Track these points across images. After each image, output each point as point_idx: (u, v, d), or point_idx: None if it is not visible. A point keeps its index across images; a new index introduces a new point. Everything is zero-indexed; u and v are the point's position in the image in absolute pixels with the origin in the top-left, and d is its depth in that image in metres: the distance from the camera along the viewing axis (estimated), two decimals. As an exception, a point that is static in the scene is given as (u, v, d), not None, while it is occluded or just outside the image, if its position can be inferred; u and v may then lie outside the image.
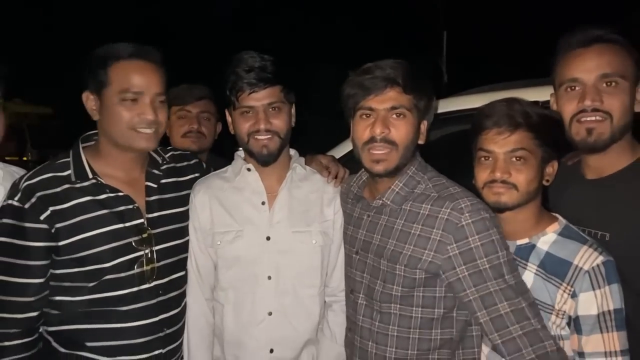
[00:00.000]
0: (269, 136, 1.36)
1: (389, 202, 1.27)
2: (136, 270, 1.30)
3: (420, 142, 1.30)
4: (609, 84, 1.22)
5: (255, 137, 1.37)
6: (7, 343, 1.22)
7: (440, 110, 1.80)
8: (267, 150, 1.37)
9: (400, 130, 1.23)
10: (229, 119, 1.44)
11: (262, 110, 1.35)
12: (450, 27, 7.83)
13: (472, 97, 1.91)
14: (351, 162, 1.59)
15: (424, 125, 1.30)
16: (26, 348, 1.24)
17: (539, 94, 1.53)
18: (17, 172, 1.44)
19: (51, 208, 1.24)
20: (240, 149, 1.47)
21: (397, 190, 1.27)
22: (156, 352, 1.34)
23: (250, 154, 1.41)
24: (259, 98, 1.35)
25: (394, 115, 1.23)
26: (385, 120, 1.23)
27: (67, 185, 1.27)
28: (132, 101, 1.27)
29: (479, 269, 1.15)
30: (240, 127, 1.38)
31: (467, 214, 1.16)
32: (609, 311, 1.12)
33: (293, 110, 1.44)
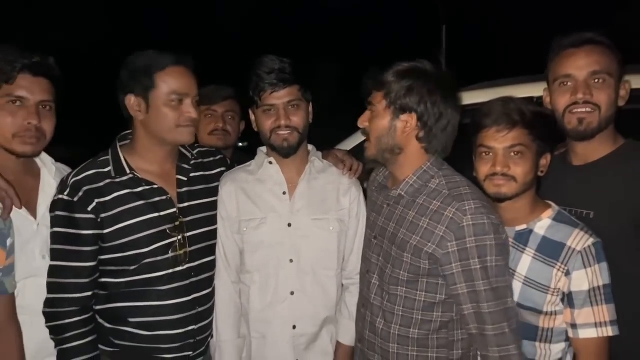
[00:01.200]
0: (289, 131, 1.50)
1: (403, 194, 1.39)
2: (170, 254, 1.45)
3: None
4: (597, 80, 1.38)
5: (277, 132, 1.51)
6: (67, 320, 1.37)
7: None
8: (287, 144, 1.51)
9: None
10: (252, 117, 1.58)
11: (283, 108, 1.49)
12: (450, 21, 7.96)
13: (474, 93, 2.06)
14: (359, 154, 1.74)
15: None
16: (84, 324, 1.39)
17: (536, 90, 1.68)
18: (65, 169, 1.58)
19: (96, 200, 1.39)
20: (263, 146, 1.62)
21: (411, 182, 1.38)
22: (189, 328, 1.48)
23: (272, 148, 1.55)
24: (280, 97, 1.49)
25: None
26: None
27: (108, 180, 1.42)
28: (178, 103, 1.43)
29: (471, 268, 1.26)
30: (263, 124, 1.52)
31: (469, 216, 1.26)
32: (598, 287, 1.27)
33: (310, 108, 1.58)
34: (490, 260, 1.26)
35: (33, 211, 1.43)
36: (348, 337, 1.60)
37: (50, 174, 1.51)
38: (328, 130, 2.32)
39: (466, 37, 8.03)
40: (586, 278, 1.27)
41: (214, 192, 1.59)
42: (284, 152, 1.53)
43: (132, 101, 1.45)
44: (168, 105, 1.42)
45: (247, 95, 1.56)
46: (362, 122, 1.42)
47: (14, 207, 1.30)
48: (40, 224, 1.43)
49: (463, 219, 1.26)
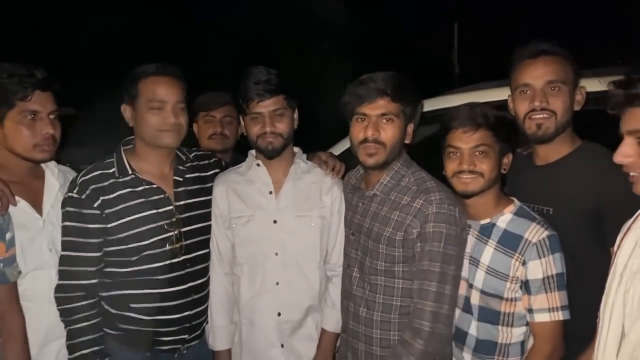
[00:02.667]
0: (273, 137, 1.67)
1: (378, 193, 1.58)
2: (168, 247, 1.63)
3: (407, 142, 1.60)
4: (553, 88, 1.52)
5: (263, 137, 1.68)
6: (76, 304, 1.57)
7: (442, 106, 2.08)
8: (272, 147, 1.68)
9: (388, 133, 1.54)
10: (242, 122, 1.76)
11: (268, 116, 1.66)
12: (462, 19, 8.03)
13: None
14: (348, 158, 1.91)
15: (410, 128, 1.60)
16: (90, 307, 1.59)
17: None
18: (68, 170, 1.77)
19: (101, 198, 1.58)
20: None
21: (385, 182, 1.57)
22: (185, 313, 1.67)
23: (259, 150, 1.73)
24: (266, 106, 1.65)
25: (384, 120, 1.53)
26: (376, 124, 1.53)
27: (112, 180, 1.61)
28: (158, 109, 1.59)
29: (425, 249, 1.45)
30: (251, 130, 1.70)
31: (434, 205, 1.46)
32: (552, 275, 1.41)
33: (296, 115, 1.75)
34: (443, 247, 1.44)
35: (39, 209, 1.62)
36: (331, 324, 1.76)
37: (53, 176, 1.69)
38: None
39: (478, 35, 8.08)
40: (540, 267, 1.41)
41: (209, 191, 1.77)
42: (268, 155, 1.70)
43: (125, 110, 1.65)
44: (149, 112, 1.59)
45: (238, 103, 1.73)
46: (382, 131, 1.53)
47: (19, 204, 1.48)
48: (46, 220, 1.61)
49: (429, 208, 1.46)
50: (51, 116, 1.59)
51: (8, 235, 1.42)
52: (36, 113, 1.55)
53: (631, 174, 1.14)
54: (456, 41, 8.41)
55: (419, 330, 1.44)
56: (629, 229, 1.21)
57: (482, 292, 1.49)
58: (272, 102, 1.65)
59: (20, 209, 1.55)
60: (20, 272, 1.49)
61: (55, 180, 1.69)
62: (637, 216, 1.20)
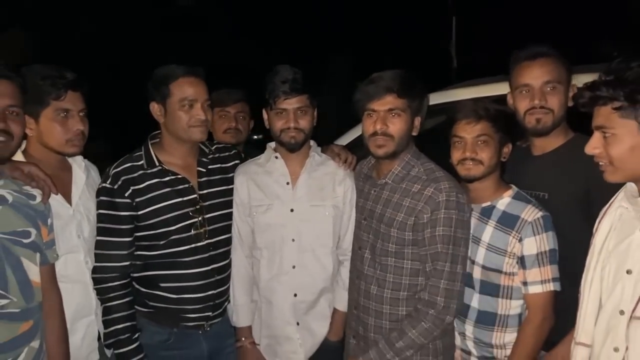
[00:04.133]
0: (296, 132, 1.83)
1: (390, 182, 1.74)
2: (193, 232, 1.79)
3: (414, 133, 1.76)
4: (550, 87, 1.70)
5: (286, 132, 1.84)
6: (110, 284, 1.73)
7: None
8: (294, 141, 1.84)
9: (396, 126, 1.70)
10: (265, 116, 1.92)
11: (292, 112, 1.82)
12: (460, 13, 8.17)
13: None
14: (355, 148, 2.08)
15: (417, 121, 1.76)
16: (123, 287, 1.75)
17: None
18: (91, 165, 1.91)
19: (132, 187, 1.74)
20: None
21: (396, 172, 1.74)
22: (209, 292, 1.83)
23: (281, 144, 1.89)
24: (291, 103, 1.81)
25: (391, 115, 1.70)
26: (384, 119, 1.70)
27: (141, 172, 1.77)
28: (189, 107, 1.76)
29: (435, 233, 1.62)
30: (275, 124, 1.86)
31: (444, 193, 1.62)
32: (545, 251, 1.59)
33: (315, 113, 1.91)
34: (454, 231, 1.61)
35: (68, 199, 1.75)
36: (342, 304, 1.94)
37: (80, 169, 1.83)
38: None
39: (476, 29, 8.24)
40: (535, 244, 1.59)
41: (230, 181, 1.94)
42: (290, 148, 1.87)
43: (155, 108, 1.80)
44: (181, 110, 1.75)
45: (257, 97, 1.90)
46: (391, 125, 1.68)
47: (51, 194, 1.61)
48: (75, 210, 1.75)
49: (439, 195, 1.63)
50: (81, 114, 1.73)
51: (49, 221, 1.57)
52: (68, 111, 1.68)
53: (600, 163, 1.30)
54: (454, 34, 8.56)
55: (434, 303, 1.62)
56: (605, 213, 1.37)
57: (484, 267, 1.67)
58: (297, 100, 1.81)
59: (54, 199, 1.68)
60: (58, 255, 1.65)
61: (82, 173, 1.83)
62: (612, 202, 1.36)
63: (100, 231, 1.76)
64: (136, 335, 1.76)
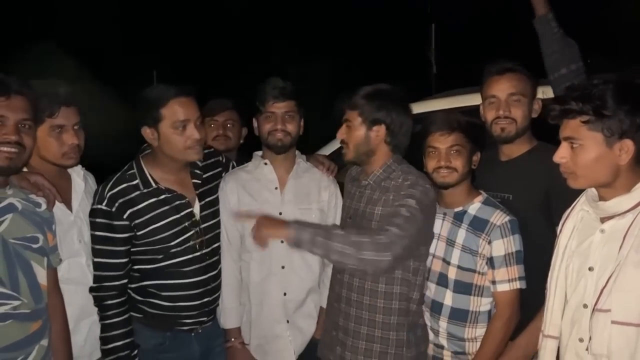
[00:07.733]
0: (283, 134, 2.01)
1: (372, 182, 1.93)
2: (191, 243, 1.92)
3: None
4: (515, 99, 1.94)
5: (274, 134, 2.02)
6: (109, 302, 1.84)
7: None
8: (281, 143, 2.01)
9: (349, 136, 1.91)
10: (255, 124, 2.09)
11: (280, 116, 2.00)
12: (439, 20, 8.49)
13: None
14: (337, 157, 2.28)
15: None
16: (121, 304, 1.86)
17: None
18: (87, 174, 2.04)
19: (129, 210, 1.83)
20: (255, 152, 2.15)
21: (377, 174, 1.92)
22: (205, 300, 1.97)
23: (268, 146, 2.06)
24: (279, 107, 1.99)
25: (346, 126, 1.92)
26: (342, 130, 1.93)
27: (137, 192, 1.85)
28: (182, 129, 1.82)
29: (397, 203, 1.78)
30: (264, 127, 2.03)
31: (407, 183, 1.82)
32: (512, 252, 1.81)
33: (302, 122, 2.09)
34: (416, 204, 1.75)
35: (69, 206, 1.90)
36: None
37: (79, 177, 1.96)
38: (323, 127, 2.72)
39: (455, 36, 8.57)
40: (503, 246, 1.81)
41: (217, 188, 2.09)
42: (277, 150, 2.04)
43: (147, 132, 1.86)
44: (175, 133, 1.82)
45: (249, 105, 2.08)
46: (341, 135, 1.95)
47: (55, 201, 1.75)
48: (75, 216, 1.87)
49: (404, 185, 1.83)
50: (75, 127, 1.80)
51: (53, 227, 1.71)
52: (62, 127, 1.77)
53: (566, 171, 1.48)
54: (433, 41, 8.87)
55: (393, 223, 1.70)
56: (568, 215, 1.53)
57: (459, 267, 1.87)
58: (285, 104, 2.00)
59: (56, 206, 1.81)
60: (61, 260, 1.79)
61: (81, 180, 1.97)
62: (575, 205, 1.56)
63: (96, 253, 1.85)
64: (135, 352, 1.87)
